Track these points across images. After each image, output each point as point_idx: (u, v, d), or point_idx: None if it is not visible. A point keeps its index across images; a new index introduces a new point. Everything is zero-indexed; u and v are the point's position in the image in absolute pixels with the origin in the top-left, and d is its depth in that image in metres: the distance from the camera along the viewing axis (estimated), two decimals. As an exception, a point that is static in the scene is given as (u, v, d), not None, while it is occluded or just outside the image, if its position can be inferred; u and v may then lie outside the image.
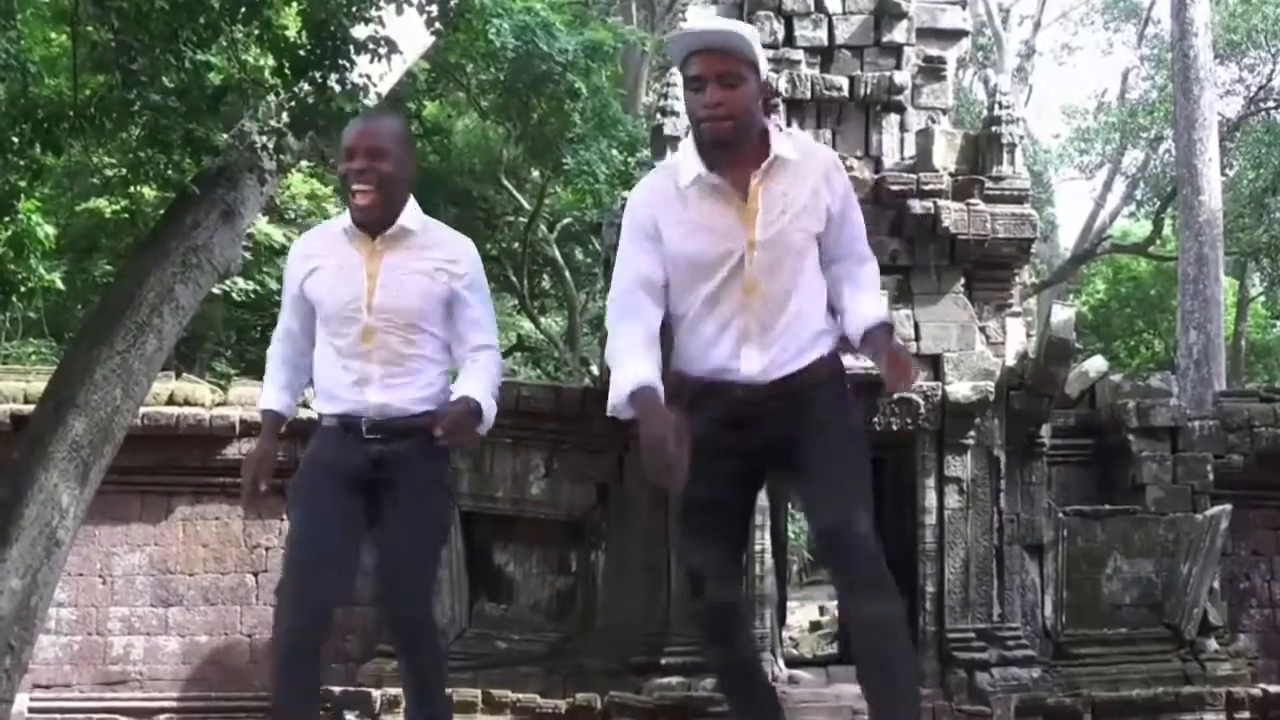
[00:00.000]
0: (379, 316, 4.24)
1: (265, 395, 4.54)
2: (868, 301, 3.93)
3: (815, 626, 20.33)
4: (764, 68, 3.85)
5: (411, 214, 4.32)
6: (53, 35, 11.79)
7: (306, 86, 9.44)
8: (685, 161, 3.84)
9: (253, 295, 16.66)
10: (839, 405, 3.93)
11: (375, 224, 4.27)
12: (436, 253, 4.32)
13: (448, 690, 4.54)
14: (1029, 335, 11.91)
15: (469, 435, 4.24)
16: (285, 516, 12.32)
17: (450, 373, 4.44)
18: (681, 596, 3.87)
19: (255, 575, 12.70)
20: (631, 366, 3.75)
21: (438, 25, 10.43)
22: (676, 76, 11.63)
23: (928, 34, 11.82)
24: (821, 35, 11.63)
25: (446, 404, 4.25)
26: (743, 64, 3.75)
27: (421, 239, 4.32)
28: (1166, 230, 27.98)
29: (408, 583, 4.26)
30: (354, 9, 9.41)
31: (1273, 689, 10.85)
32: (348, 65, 9.47)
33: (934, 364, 10.92)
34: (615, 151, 18.89)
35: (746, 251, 3.79)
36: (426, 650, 4.31)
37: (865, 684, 3.76)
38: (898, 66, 11.57)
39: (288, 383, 4.54)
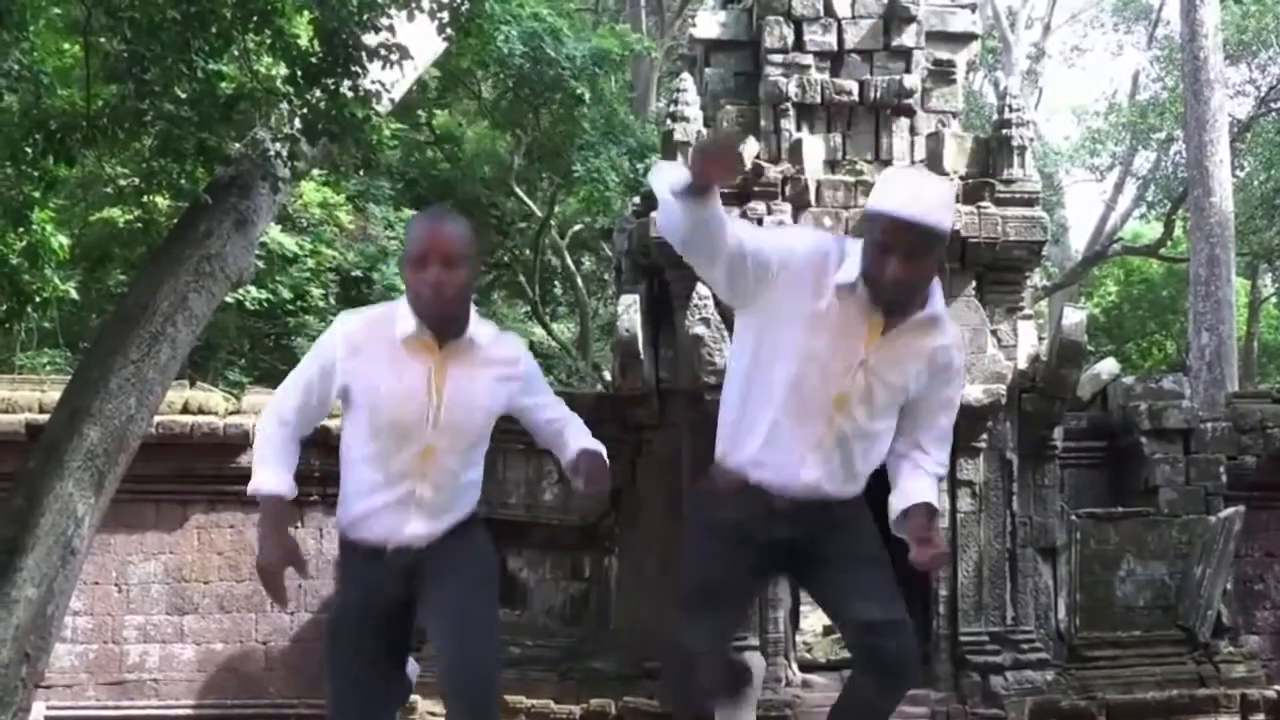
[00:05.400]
0: (444, 435, 4.06)
1: (262, 477, 4.11)
2: (920, 484, 4.04)
3: (829, 631, 20.29)
4: (950, 228, 3.86)
5: (477, 324, 4.13)
6: (65, 46, 11.82)
7: (319, 94, 9.48)
8: (848, 264, 3.83)
9: (266, 304, 16.70)
10: (866, 516, 4.09)
11: (446, 334, 4.06)
12: (497, 360, 4.17)
13: None
14: (1040, 338, 11.90)
15: (604, 481, 4.20)
16: (300, 524, 12.41)
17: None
18: (666, 668, 4.08)
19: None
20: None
21: (449, 31, 10.45)
22: (686, 82, 11.65)
23: (937, 38, 11.83)
24: (831, 40, 11.65)
25: (473, 506, 4.26)
26: (934, 237, 3.75)
27: (485, 351, 4.13)
28: (1178, 232, 27.92)
29: (480, 635, 4.06)
30: (365, 17, 9.44)
31: (1287, 690, 10.84)
32: (360, 72, 9.50)
33: (945, 367, 10.91)
34: (625, 159, 18.91)
35: (856, 370, 3.85)
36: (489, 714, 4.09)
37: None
38: (907, 70, 11.58)
39: (288, 465, 4.14)
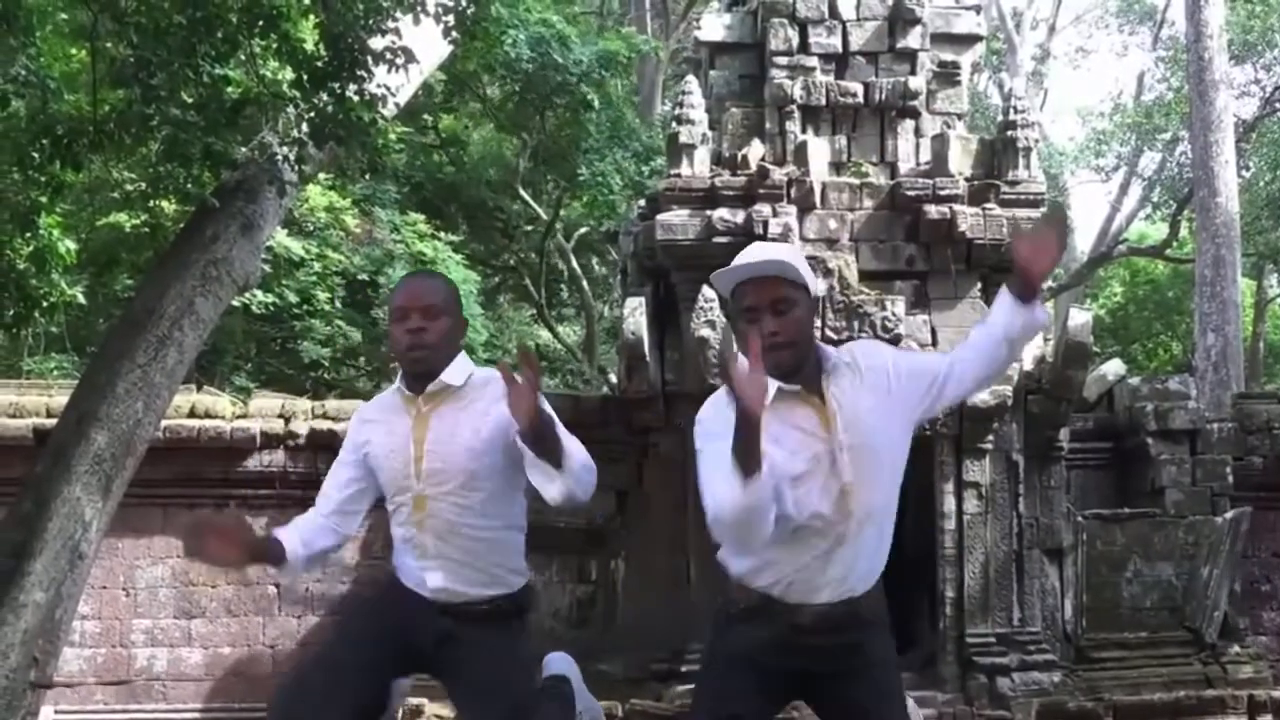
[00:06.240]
0: (429, 483, 4.06)
1: (284, 530, 4.30)
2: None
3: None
4: (813, 285, 3.83)
5: (455, 369, 4.12)
6: (72, 52, 11.84)
7: (325, 98, 9.48)
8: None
9: (272, 308, 16.73)
10: (887, 648, 4.00)
11: (422, 383, 4.10)
12: (480, 397, 4.08)
13: None
14: (1046, 339, 11.90)
15: (530, 408, 3.75)
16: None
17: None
18: None
19: (277, 586, 12.74)
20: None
21: (454, 35, 10.47)
22: (691, 85, 11.67)
23: (942, 39, 11.85)
24: (836, 42, 11.66)
25: (514, 584, 4.19)
26: (794, 288, 3.73)
27: (466, 392, 4.11)
28: (1183, 232, 27.92)
29: None
30: (371, 20, 9.46)
31: (1295, 691, 10.83)
32: (366, 76, 9.51)
33: (951, 369, 10.91)
34: (630, 162, 18.92)
35: (841, 457, 3.73)
36: None
37: None
38: (912, 72, 11.59)
39: (302, 536, 4.25)
